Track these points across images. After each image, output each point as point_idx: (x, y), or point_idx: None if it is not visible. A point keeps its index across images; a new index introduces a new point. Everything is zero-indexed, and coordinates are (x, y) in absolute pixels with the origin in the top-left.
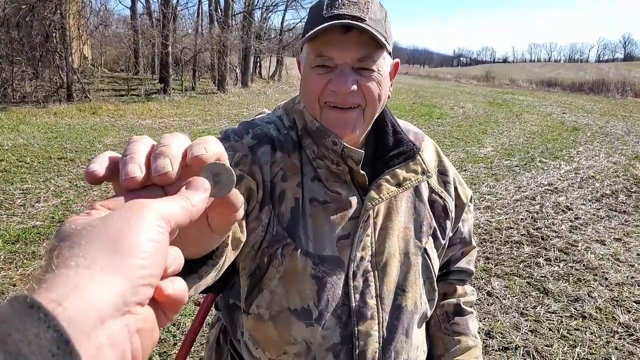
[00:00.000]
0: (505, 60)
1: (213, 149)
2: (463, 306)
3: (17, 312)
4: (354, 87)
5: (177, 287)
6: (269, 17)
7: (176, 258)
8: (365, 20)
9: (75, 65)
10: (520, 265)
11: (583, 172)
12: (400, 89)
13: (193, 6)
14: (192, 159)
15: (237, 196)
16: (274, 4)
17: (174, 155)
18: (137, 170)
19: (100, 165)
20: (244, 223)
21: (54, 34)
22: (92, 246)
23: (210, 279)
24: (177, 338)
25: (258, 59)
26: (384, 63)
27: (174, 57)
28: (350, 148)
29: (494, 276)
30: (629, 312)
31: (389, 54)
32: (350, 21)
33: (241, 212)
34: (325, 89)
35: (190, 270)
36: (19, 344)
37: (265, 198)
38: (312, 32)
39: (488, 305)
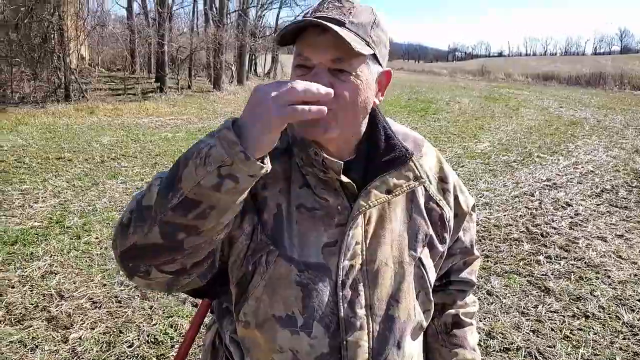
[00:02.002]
0: (500, 55)
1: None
2: (462, 317)
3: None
4: None
5: None
6: (264, 15)
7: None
8: (345, 24)
9: (72, 65)
10: (520, 263)
11: (582, 167)
12: (396, 85)
13: (188, 5)
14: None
15: None
16: (268, 1)
17: None
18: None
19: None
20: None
21: (52, 35)
22: None
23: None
24: (175, 340)
25: (253, 57)
26: (366, 69)
27: (170, 56)
28: (330, 159)
29: (493, 274)
30: (633, 311)
31: (377, 61)
32: (319, 20)
33: None
34: None
35: None
36: None
37: (246, 207)
38: (282, 30)
39: (488, 304)
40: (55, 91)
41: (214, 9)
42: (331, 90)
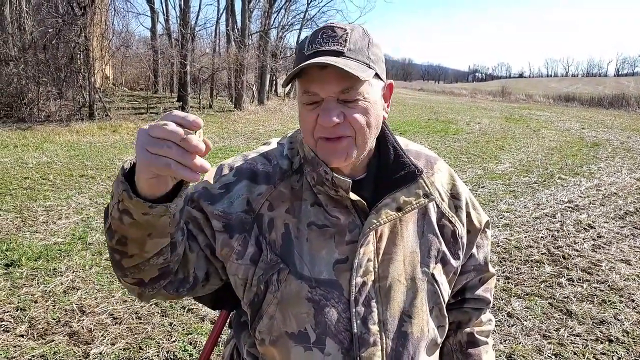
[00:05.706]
0: (521, 76)
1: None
2: (477, 336)
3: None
4: (339, 119)
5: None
6: (285, 36)
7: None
8: (344, 53)
9: (97, 84)
10: (542, 286)
11: (605, 189)
12: (415, 105)
13: (211, 26)
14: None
15: None
16: (289, 23)
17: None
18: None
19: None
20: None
21: (78, 56)
22: None
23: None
24: (194, 357)
25: (274, 77)
26: (371, 89)
27: (192, 76)
28: (339, 177)
29: (514, 296)
30: None
31: (379, 77)
32: (324, 59)
33: None
34: (316, 124)
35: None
36: None
37: (234, 227)
38: (289, 73)
39: (509, 326)
40: (79, 110)
41: (236, 30)
42: (199, 121)
